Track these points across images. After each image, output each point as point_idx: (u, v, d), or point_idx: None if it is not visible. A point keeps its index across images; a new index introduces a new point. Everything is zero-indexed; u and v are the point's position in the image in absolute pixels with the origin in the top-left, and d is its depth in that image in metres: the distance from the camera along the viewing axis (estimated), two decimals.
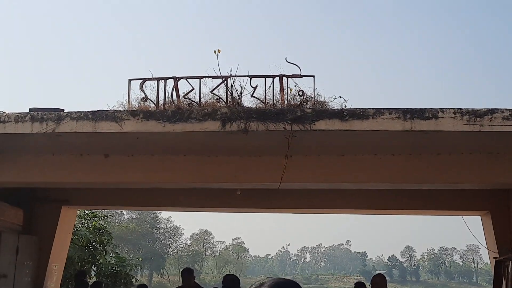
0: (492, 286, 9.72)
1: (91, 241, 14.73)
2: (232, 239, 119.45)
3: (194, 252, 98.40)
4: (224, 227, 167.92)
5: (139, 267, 21.22)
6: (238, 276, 7.94)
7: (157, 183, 8.42)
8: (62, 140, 7.19)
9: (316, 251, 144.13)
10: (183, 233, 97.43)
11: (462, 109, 6.46)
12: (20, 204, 10.34)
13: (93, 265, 14.84)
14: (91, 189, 10.65)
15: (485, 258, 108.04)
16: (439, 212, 11.00)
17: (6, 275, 9.53)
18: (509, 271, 8.93)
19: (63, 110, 6.99)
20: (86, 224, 15.50)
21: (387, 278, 7.93)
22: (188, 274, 8.91)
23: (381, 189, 10.23)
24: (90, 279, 13.80)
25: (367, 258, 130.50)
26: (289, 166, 7.43)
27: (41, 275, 10.53)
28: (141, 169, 7.96)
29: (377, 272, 8.17)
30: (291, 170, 7.49)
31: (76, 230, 14.19)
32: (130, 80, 7.20)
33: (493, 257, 9.75)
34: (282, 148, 7.10)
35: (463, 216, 10.92)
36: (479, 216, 10.71)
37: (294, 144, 6.90)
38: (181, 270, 9.45)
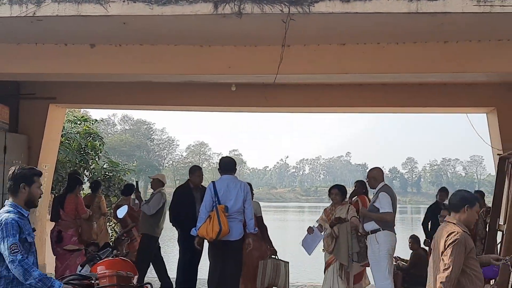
0: (494, 184, 9.91)
1: (83, 146, 14.82)
2: (229, 151, 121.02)
3: (190, 164, 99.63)
4: (221, 139, 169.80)
5: (133, 175, 21.47)
6: None
7: (146, 74, 8.31)
8: (44, 27, 6.99)
9: (316, 163, 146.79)
10: (178, 145, 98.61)
11: None
12: (5, 101, 10.28)
13: (85, 170, 15.00)
14: (79, 86, 10.58)
15: (489, 169, 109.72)
16: (445, 109, 11.05)
17: None
18: None
19: None
20: (76, 129, 15.55)
21: None
22: (198, 170, 9.02)
23: (384, 83, 10.20)
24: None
25: (367, 170, 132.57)
26: (286, 57, 7.31)
27: None
28: (129, 59, 7.84)
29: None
30: (289, 60, 7.38)
31: (66, 133, 14.25)
32: None
33: (497, 154, 9.87)
34: (279, 37, 6.95)
35: (468, 114, 11.00)
36: (485, 114, 10.75)
37: (292, 31, 6.73)
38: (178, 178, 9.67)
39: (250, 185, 8.22)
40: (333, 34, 7.37)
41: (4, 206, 4.41)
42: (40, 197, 4.57)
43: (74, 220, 8.95)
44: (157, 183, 9.54)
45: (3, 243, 4.13)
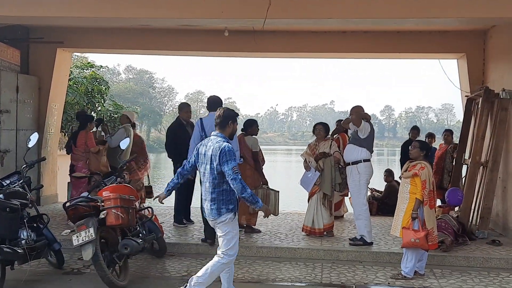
0: (462, 123, 9.95)
1: (90, 90, 14.67)
2: (224, 99, 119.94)
3: None
4: (217, 88, 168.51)
5: (138, 119, 21.35)
6: None
7: (145, 18, 8.09)
8: None
9: (302, 111, 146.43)
10: (177, 93, 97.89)
11: None
12: (16, 45, 10.07)
13: (92, 112, 14.90)
14: (84, 32, 10.37)
15: (458, 115, 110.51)
16: (420, 55, 10.91)
17: (9, 110, 9.54)
18: (478, 106, 9.07)
19: None
20: (83, 74, 15.34)
21: None
22: (187, 107, 8.96)
23: (366, 31, 10.06)
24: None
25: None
26: (274, 2, 7.18)
27: (42, 113, 10.59)
28: (129, 4, 7.63)
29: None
30: (277, 6, 7.25)
31: (74, 77, 14.07)
32: None
33: (465, 96, 9.86)
34: None
35: (440, 60, 10.90)
36: (455, 60, 10.66)
37: None
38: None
39: (256, 121, 8.55)
40: None
41: (213, 136, 5.03)
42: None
43: (83, 154, 8.93)
44: (125, 119, 9.57)
45: (227, 165, 4.79)
